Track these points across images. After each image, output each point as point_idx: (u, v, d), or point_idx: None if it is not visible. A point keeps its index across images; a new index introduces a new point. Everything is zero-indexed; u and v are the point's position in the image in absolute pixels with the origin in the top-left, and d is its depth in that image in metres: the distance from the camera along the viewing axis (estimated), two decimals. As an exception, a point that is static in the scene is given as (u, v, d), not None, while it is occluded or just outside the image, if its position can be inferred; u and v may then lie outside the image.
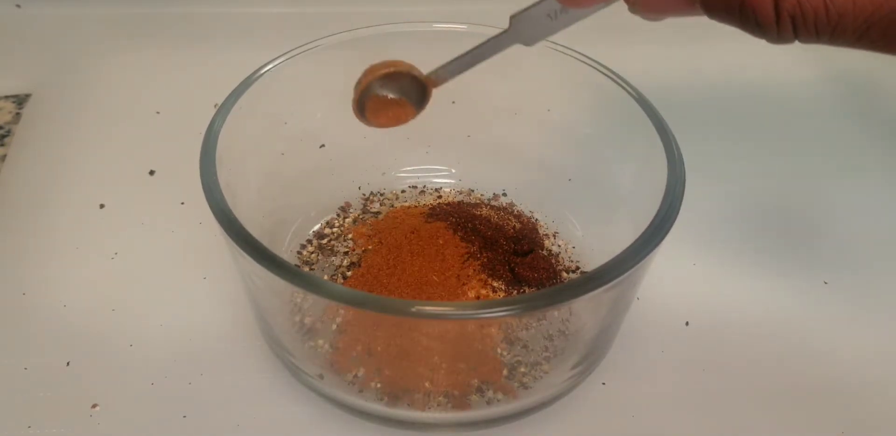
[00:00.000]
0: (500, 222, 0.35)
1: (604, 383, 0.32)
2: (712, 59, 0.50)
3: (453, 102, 0.36)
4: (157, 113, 0.43)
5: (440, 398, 0.28)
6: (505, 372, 0.29)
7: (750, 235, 0.39)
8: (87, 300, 0.34)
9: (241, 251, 0.24)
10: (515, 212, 0.36)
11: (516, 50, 0.33)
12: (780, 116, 0.47)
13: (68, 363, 0.31)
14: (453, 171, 0.39)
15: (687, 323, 0.34)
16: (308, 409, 0.31)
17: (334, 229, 0.36)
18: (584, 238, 0.35)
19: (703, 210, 0.39)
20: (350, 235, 0.35)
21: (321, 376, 0.29)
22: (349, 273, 0.33)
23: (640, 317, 0.34)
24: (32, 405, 0.30)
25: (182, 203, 0.38)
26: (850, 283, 0.37)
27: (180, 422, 0.30)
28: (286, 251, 0.34)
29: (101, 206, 0.38)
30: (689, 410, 0.31)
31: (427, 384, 0.28)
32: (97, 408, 0.30)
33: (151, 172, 0.40)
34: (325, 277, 0.33)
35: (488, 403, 0.29)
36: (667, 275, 0.35)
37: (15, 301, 0.34)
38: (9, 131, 0.43)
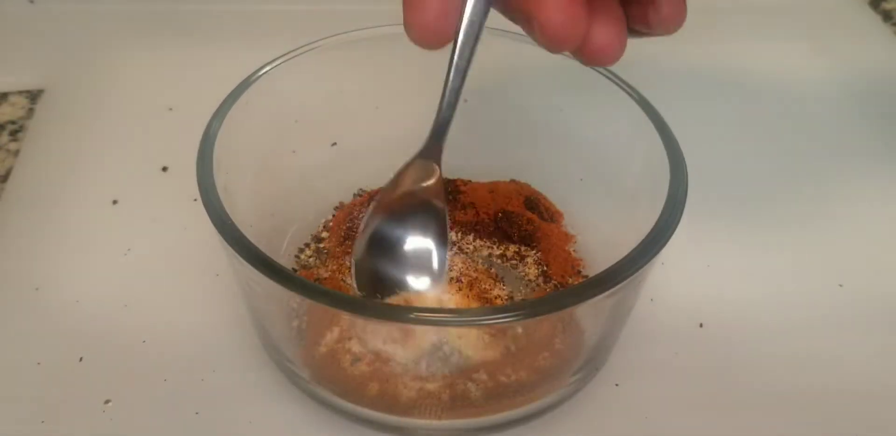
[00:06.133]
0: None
1: (617, 384, 0.32)
2: (717, 59, 0.50)
3: (465, 101, 0.36)
4: (170, 109, 0.43)
5: (438, 404, 0.28)
6: (504, 378, 0.29)
7: (764, 237, 0.39)
8: (100, 296, 0.34)
9: (238, 256, 0.24)
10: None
11: (519, 50, 0.33)
12: (790, 115, 0.46)
13: (81, 359, 0.31)
14: (460, 171, 0.38)
15: (701, 325, 0.34)
16: (321, 407, 0.30)
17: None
18: (585, 241, 0.35)
19: (718, 211, 0.39)
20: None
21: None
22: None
23: (654, 318, 0.34)
24: (45, 400, 0.30)
25: (195, 200, 0.38)
26: (866, 285, 0.36)
27: (192, 418, 0.30)
28: (284, 255, 0.34)
29: (114, 202, 0.38)
30: (703, 412, 0.31)
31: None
32: (110, 403, 0.30)
33: (164, 169, 0.40)
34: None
35: (488, 409, 0.28)
36: (681, 276, 0.35)
37: (28, 296, 0.34)
38: (22, 127, 0.43)
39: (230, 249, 0.24)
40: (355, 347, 0.27)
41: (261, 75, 0.30)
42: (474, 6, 0.23)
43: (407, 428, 0.29)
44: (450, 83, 0.25)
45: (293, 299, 0.27)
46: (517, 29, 0.31)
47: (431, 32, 0.23)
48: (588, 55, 0.23)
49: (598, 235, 0.34)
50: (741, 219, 0.39)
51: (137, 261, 0.35)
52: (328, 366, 0.28)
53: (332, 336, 0.28)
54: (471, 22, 0.23)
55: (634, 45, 0.52)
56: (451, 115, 0.26)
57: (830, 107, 0.47)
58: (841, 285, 0.36)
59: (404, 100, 0.36)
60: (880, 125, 0.46)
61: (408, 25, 0.22)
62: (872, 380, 0.33)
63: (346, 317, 0.27)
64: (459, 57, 0.24)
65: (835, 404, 0.32)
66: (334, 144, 0.35)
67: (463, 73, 0.25)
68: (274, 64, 0.30)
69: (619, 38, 0.23)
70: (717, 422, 0.31)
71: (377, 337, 0.27)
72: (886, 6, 0.56)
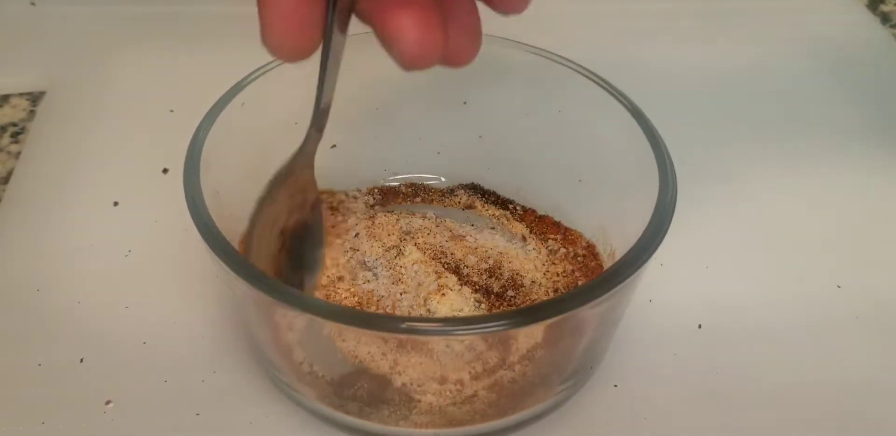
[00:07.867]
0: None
1: (616, 385, 0.32)
2: (716, 60, 0.50)
3: (465, 103, 0.36)
4: (171, 111, 0.44)
5: (427, 413, 0.28)
6: (491, 386, 0.28)
7: (763, 238, 0.39)
8: (101, 297, 0.34)
9: (223, 264, 0.23)
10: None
11: (514, 54, 0.33)
12: (789, 117, 0.46)
13: (82, 360, 0.32)
14: (460, 172, 0.38)
15: (700, 326, 0.34)
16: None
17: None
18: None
19: (717, 213, 0.39)
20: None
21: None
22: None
23: (653, 319, 0.34)
24: (46, 401, 0.30)
25: (195, 201, 0.38)
26: (864, 287, 0.37)
27: (193, 419, 0.30)
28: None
29: (115, 203, 0.38)
30: (702, 412, 0.31)
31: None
32: (111, 405, 0.30)
33: (165, 171, 0.40)
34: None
35: (477, 417, 0.28)
36: (679, 278, 0.35)
37: (29, 298, 0.34)
38: (23, 129, 0.43)
39: (215, 256, 0.24)
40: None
41: (253, 78, 0.30)
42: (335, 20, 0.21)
43: None
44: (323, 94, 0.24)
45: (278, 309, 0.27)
46: (512, 32, 0.31)
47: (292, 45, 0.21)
48: (443, 63, 0.21)
49: (597, 238, 0.34)
50: (740, 220, 0.39)
51: (138, 262, 0.36)
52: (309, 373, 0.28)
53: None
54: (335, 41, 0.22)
55: (634, 45, 0.52)
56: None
57: (829, 108, 0.47)
58: (839, 287, 0.36)
59: (404, 101, 0.36)
60: (879, 126, 0.46)
61: (265, 35, 0.20)
62: (870, 381, 0.33)
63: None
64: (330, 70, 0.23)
65: (833, 405, 0.32)
66: (334, 145, 0.35)
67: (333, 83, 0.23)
68: (269, 67, 0.30)
69: (475, 41, 0.21)
70: (716, 423, 0.31)
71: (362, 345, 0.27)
72: (884, 8, 0.56)
